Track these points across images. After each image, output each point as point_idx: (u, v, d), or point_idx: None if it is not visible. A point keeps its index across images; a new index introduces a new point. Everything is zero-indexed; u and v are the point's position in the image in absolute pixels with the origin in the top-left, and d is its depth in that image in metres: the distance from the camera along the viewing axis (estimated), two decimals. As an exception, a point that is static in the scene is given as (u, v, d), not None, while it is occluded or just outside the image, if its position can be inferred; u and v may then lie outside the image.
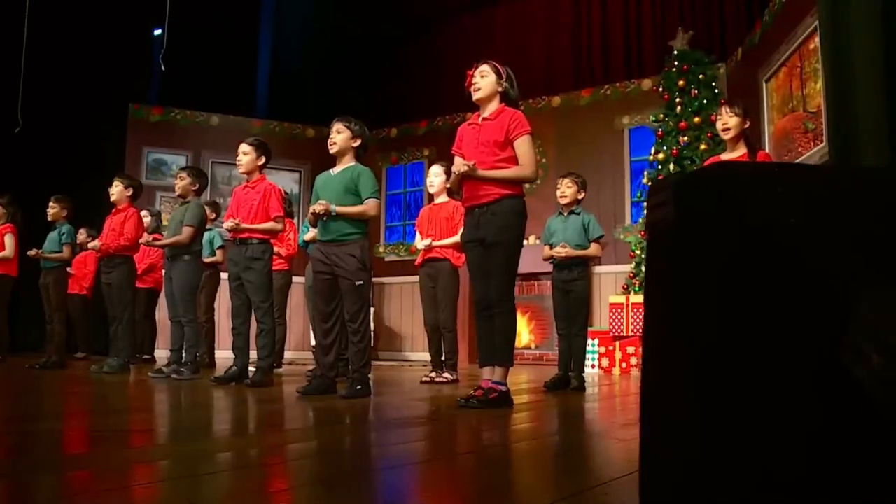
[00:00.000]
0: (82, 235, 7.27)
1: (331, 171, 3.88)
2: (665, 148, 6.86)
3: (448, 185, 5.11)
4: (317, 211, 3.62)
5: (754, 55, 6.89)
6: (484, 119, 3.34)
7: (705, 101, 6.82)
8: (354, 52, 11.18)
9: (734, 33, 8.14)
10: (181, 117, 9.65)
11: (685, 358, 0.61)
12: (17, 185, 7.56)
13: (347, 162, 3.83)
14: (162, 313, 7.63)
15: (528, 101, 8.50)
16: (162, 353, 7.89)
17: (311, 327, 5.75)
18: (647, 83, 8.40)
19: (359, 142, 3.84)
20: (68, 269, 6.50)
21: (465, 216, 3.36)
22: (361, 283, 3.68)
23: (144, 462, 1.72)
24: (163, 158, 9.43)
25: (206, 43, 9.94)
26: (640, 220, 7.17)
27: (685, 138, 6.73)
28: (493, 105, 3.35)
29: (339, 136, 3.81)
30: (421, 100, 10.45)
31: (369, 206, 3.72)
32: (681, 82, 6.94)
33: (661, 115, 7.06)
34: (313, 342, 9.10)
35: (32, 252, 6.00)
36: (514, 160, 3.25)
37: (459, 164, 3.21)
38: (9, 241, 6.24)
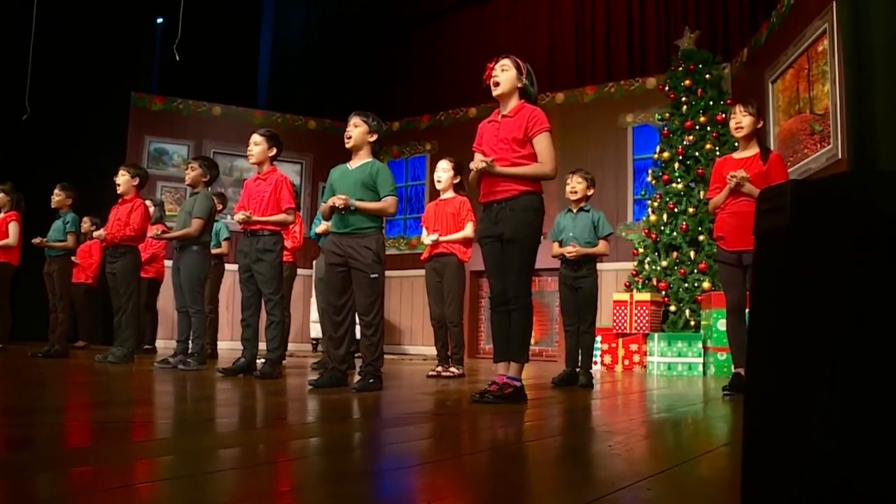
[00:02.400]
0: (86, 224, 7.24)
1: (347, 164, 3.88)
2: (670, 147, 6.88)
3: (455, 181, 5.13)
4: (337, 205, 3.62)
5: (760, 56, 6.91)
6: (504, 116, 3.34)
7: (711, 101, 6.85)
8: (356, 44, 11.16)
9: (737, 34, 8.17)
10: (183, 107, 9.61)
11: (810, 360, 0.62)
12: (20, 172, 7.53)
13: (364, 157, 3.83)
14: (163, 303, 7.64)
15: (532, 97, 8.50)
16: (162, 343, 7.89)
17: (319, 319, 5.74)
18: (651, 81, 8.42)
19: (375, 137, 3.84)
20: (73, 258, 6.47)
21: (482, 212, 3.36)
22: (376, 275, 3.68)
23: (149, 458, 1.67)
24: (164, 148, 9.39)
25: (207, 33, 9.89)
26: (644, 218, 7.19)
27: (691, 137, 6.75)
28: (513, 102, 3.35)
29: (356, 130, 3.80)
30: (423, 94, 10.45)
31: (388, 203, 3.72)
32: (687, 82, 6.95)
33: (667, 114, 7.09)
34: (313, 334, 9.15)
35: (37, 240, 5.97)
36: (533, 157, 3.25)
37: (478, 161, 3.21)
38: (13, 228, 6.20)
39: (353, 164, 3.85)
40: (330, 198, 3.75)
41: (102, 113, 9.58)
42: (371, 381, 3.63)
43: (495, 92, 3.35)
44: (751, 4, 8.19)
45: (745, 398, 0.77)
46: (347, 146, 3.85)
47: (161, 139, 9.39)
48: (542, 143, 3.24)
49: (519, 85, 3.34)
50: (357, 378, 3.73)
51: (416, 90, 10.54)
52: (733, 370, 4.08)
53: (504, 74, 3.33)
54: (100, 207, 7.77)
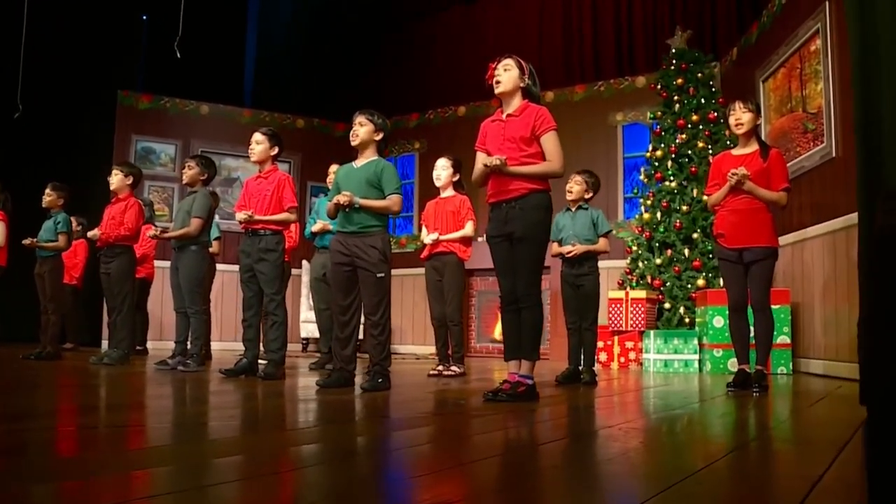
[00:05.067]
0: (73, 224, 7.12)
1: (353, 163, 3.87)
2: (663, 145, 6.93)
3: (454, 179, 5.13)
4: (341, 202, 3.61)
5: (751, 55, 6.97)
6: (508, 115, 3.34)
7: (703, 100, 6.90)
8: (344, 43, 11.11)
9: (725, 33, 8.24)
10: (170, 105, 9.49)
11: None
12: (5, 171, 7.40)
13: (370, 155, 3.82)
14: (151, 304, 7.55)
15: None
16: (151, 345, 7.78)
17: (316, 319, 5.71)
18: (640, 80, 8.47)
19: (381, 135, 3.83)
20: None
21: (491, 211, 3.36)
22: (382, 275, 3.68)
23: (146, 468, 1.57)
24: (151, 147, 9.27)
25: (193, 31, 9.78)
26: (636, 216, 7.22)
27: (683, 136, 6.79)
28: (516, 101, 3.35)
29: (363, 129, 3.79)
30: (412, 93, 10.40)
31: (393, 201, 3.72)
32: (679, 80, 7.00)
33: (659, 113, 7.13)
34: (304, 334, 9.10)
35: (27, 241, 5.86)
36: (539, 156, 3.27)
37: (491, 159, 3.20)
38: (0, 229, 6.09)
39: (359, 162, 3.84)
40: (334, 196, 3.73)
41: (88, 111, 9.45)
42: (379, 380, 3.63)
43: (497, 90, 3.35)
44: (737, 4, 8.27)
45: (869, 398, 0.77)
46: (353, 144, 3.84)
47: (148, 138, 9.27)
48: (550, 142, 3.25)
49: (521, 84, 3.35)
50: (365, 378, 3.72)
51: (404, 88, 10.49)
52: (737, 367, 4.11)
53: (506, 74, 3.33)
54: (86, 207, 7.67)
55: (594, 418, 2.86)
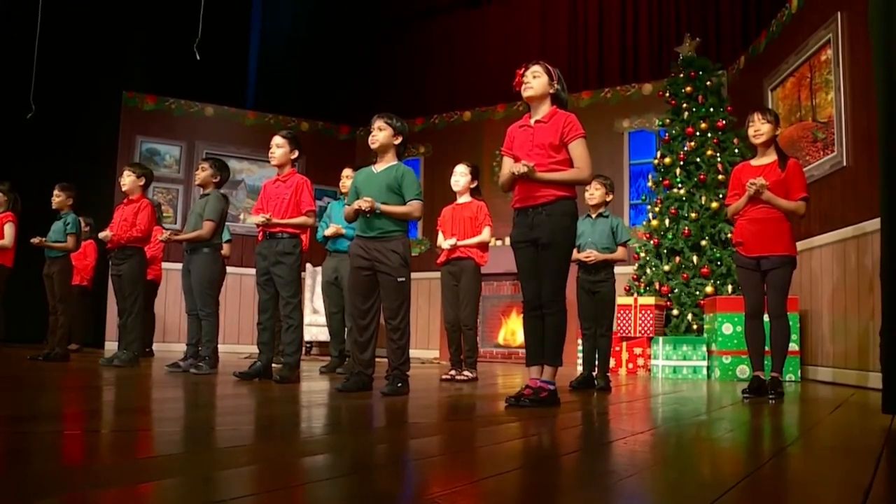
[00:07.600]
0: (81, 225, 7.10)
1: (372, 168, 3.87)
2: (671, 152, 6.95)
3: (472, 185, 5.14)
4: (363, 207, 3.61)
5: (758, 64, 7.01)
6: (537, 121, 3.35)
7: (711, 108, 6.92)
8: (348, 47, 11.12)
9: (730, 41, 8.29)
10: (175, 107, 9.48)
11: None
12: (11, 172, 7.38)
13: (389, 160, 3.82)
14: (157, 306, 7.53)
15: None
16: (156, 347, 7.75)
17: (327, 323, 5.71)
18: (647, 87, 8.51)
19: (400, 139, 3.83)
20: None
21: (516, 216, 3.37)
22: (403, 279, 3.68)
23: (152, 480, 1.49)
24: (156, 148, 9.25)
25: (198, 32, 9.77)
26: (644, 222, 7.24)
27: (692, 143, 6.82)
28: (545, 107, 3.37)
29: (381, 133, 3.79)
30: (416, 96, 10.42)
31: (414, 207, 3.72)
32: (688, 88, 7.02)
33: (668, 120, 7.15)
34: (307, 337, 9.09)
35: (36, 240, 5.84)
36: (567, 162, 3.28)
37: (519, 166, 3.21)
38: (8, 229, 6.06)
39: (379, 167, 3.84)
40: (355, 200, 3.73)
41: (93, 112, 9.42)
42: (399, 385, 3.63)
43: (525, 95, 3.37)
44: (743, 14, 8.32)
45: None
46: (373, 148, 3.84)
47: (153, 139, 9.25)
48: (579, 149, 3.26)
49: (551, 91, 3.37)
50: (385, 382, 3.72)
51: (409, 92, 10.50)
52: (747, 373, 4.13)
53: (536, 80, 3.35)
54: (91, 207, 7.64)
55: (615, 426, 2.86)
